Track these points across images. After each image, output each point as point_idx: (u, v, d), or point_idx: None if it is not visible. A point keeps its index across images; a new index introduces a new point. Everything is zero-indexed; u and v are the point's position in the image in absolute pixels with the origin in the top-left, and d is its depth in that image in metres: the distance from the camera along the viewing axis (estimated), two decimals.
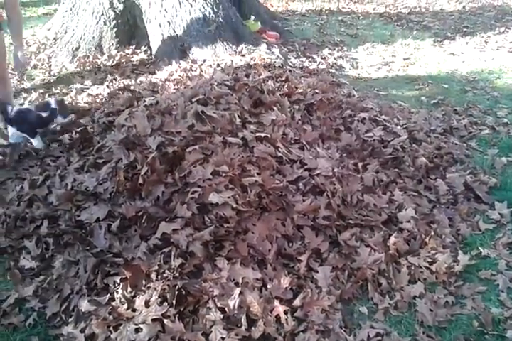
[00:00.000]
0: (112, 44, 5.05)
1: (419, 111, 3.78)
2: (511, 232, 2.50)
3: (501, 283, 2.20)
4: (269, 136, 2.68)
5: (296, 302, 1.98)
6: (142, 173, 2.29)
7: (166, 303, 1.91)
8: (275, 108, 3.00)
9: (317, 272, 2.14)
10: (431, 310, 2.04)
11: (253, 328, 1.88)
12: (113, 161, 2.47)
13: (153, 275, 1.99)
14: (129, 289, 1.97)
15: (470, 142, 3.37)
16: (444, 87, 4.43)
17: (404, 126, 3.32)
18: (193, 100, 2.82)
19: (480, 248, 2.39)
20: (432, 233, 2.39)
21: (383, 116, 3.35)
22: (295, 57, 4.83)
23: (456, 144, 3.27)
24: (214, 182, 2.27)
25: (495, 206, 2.69)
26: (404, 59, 5.14)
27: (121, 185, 2.31)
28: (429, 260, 2.26)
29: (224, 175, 2.32)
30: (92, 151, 2.76)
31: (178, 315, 1.89)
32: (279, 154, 2.60)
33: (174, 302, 1.91)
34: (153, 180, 2.31)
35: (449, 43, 5.87)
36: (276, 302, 1.96)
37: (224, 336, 1.83)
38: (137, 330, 1.85)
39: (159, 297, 1.92)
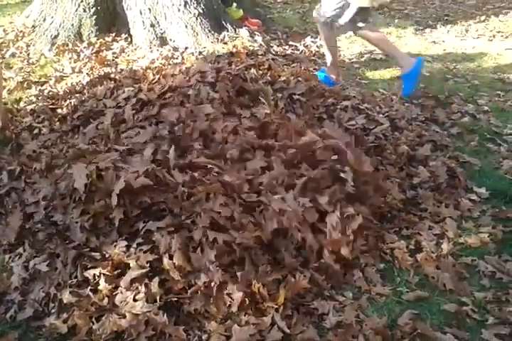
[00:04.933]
0: (92, 31, 4.96)
1: (401, 99, 3.79)
2: (491, 218, 2.54)
3: (482, 268, 2.23)
4: None
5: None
6: None
7: (149, 296, 1.91)
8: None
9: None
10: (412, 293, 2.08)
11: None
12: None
13: (133, 269, 1.97)
14: (109, 282, 1.96)
15: (451, 130, 3.40)
16: (425, 75, 4.44)
17: (386, 114, 3.33)
18: None
19: (461, 234, 2.42)
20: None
21: (365, 105, 3.35)
22: (278, 45, 4.79)
23: (437, 132, 3.30)
24: None
25: (475, 191, 2.73)
26: None
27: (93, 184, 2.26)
28: (413, 248, 2.30)
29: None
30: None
31: (161, 309, 1.89)
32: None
33: (158, 297, 1.91)
34: None
35: (430, 32, 5.89)
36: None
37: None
38: (119, 321, 1.84)
39: (140, 291, 1.92)
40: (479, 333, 1.91)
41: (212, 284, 1.93)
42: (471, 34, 5.85)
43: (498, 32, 5.88)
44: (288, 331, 1.86)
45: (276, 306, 1.94)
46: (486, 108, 3.76)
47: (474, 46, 5.36)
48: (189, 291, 1.95)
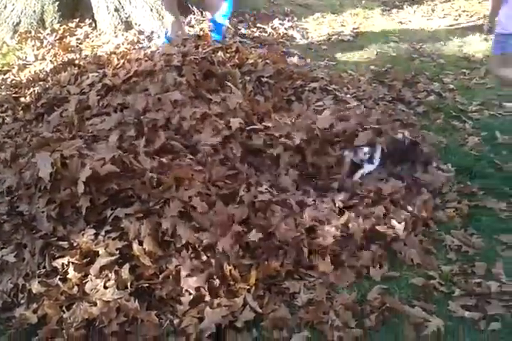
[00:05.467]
0: (55, 17, 4.85)
1: (368, 80, 3.81)
2: (457, 193, 2.60)
3: (449, 242, 2.29)
4: None
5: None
6: None
7: (119, 283, 1.90)
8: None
9: None
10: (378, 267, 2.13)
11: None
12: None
13: (102, 256, 1.96)
14: (78, 270, 1.94)
15: (417, 108, 3.44)
16: (392, 55, 4.48)
17: (354, 94, 3.36)
18: None
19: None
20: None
21: (333, 86, 3.38)
22: (245, 28, 4.76)
23: (403, 111, 3.34)
24: None
25: (441, 168, 2.77)
26: (354, 28, 5.14)
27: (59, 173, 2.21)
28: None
29: None
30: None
31: (133, 295, 1.88)
32: None
33: (129, 283, 1.90)
34: None
35: (397, 12, 5.91)
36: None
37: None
38: (90, 309, 1.83)
39: (110, 278, 1.91)
40: (446, 305, 1.96)
41: (184, 268, 1.93)
42: (437, 14, 5.89)
43: (464, 11, 5.93)
44: (260, 310, 1.88)
45: (248, 287, 1.95)
46: (451, 86, 3.82)
47: (440, 25, 5.41)
48: (160, 276, 1.94)
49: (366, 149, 2.61)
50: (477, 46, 4.73)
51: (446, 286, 2.05)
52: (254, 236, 2.07)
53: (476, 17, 5.69)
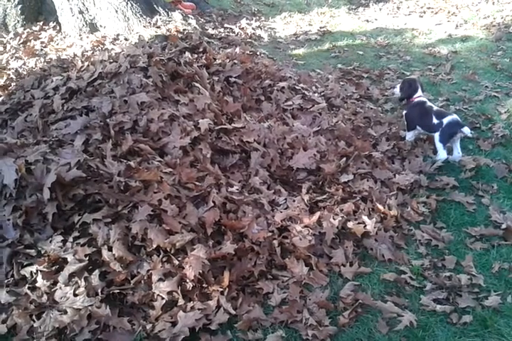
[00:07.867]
0: (18, 21, 4.77)
1: (336, 78, 3.83)
2: (425, 189, 2.64)
3: (419, 237, 2.32)
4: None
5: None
6: None
7: (90, 290, 1.86)
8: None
9: None
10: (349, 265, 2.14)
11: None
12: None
13: (71, 264, 1.91)
14: (47, 278, 1.89)
15: (384, 106, 3.48)
16: (359, 53, 4.52)
17: (322, 93, 3.37)
18: None
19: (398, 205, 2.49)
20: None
21: (302, 85, 3.38)
22: (213, 28, 4.74)
23: (371, 109, 3.37)
24: None
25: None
26: (321, 27, 5.17)
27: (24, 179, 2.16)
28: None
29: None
30: None
31: (104, 302, 1.84)
32: None
33: (100, 290, 1.87)
34: None
35: (363, 10, 5.98)
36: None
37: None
38: (61, 317, 1.79)
39: (80, 285, 1.87)
40: (418, 299, 1.99)
41: (156, 272, 1.91)
42: (403, 11, 5.99)
43: (428, 8, 6.05)
44: (234, 312, 1.88)
45: (221, 289, 1.94)
46: None
47: (406, 23, 5.50)
48: (132, 282, 1.92)
49: None
50: (442, 42, 4.81)
51: (418, 280, 2.08)
52: (229, 248, 2.05)
53: (441, 14, 5.80)
